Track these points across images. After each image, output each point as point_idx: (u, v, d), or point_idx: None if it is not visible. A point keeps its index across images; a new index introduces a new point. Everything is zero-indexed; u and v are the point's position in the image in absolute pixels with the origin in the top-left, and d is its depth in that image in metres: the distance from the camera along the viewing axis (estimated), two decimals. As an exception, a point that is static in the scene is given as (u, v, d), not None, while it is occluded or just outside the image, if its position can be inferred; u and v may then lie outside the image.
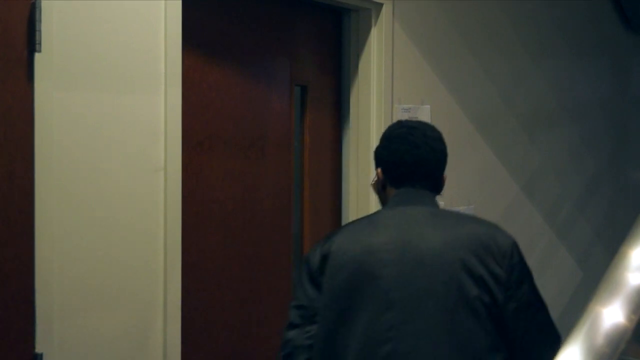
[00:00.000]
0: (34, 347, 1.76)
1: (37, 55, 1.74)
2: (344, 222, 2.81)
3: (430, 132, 1.82)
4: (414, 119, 2.76)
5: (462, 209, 2.97)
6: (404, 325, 1.56)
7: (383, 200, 1.83)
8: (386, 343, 1.56)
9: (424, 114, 2.93)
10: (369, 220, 1.76)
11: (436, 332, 1.56)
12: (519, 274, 1.64)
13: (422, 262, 1.60)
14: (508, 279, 1.61)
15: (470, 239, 1.63)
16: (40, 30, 1.74)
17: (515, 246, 1.65)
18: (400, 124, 1.85)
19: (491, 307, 1.58)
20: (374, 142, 2.73)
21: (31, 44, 1.74)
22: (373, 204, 2.74)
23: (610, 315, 1.11)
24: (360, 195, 2.77)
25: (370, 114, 2.74)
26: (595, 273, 3.75)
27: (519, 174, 3.52)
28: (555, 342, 1.63)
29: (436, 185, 1.80)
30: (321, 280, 1.65)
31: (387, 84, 2.75)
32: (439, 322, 1.56)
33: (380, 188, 1.82)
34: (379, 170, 1.80)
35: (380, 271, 1.61)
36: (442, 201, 2.60)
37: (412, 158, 1.75)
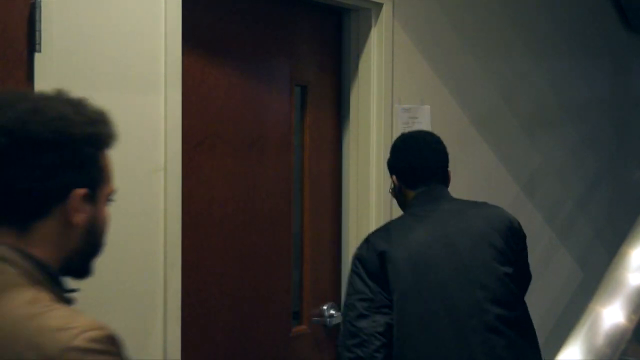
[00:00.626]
0: (34, 347, 1.76)
1: (37, 55, 1.74)
2: (344, 222, 2.81)
3: (430, 137, 2.18)
4: (413, 118, 2.80)
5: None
6: (477, 300, 1.93)
7: (402, 202, 2.14)
8: (472, 317, 1.92)
9: (424, 114, 2.93)
10: (410, 219, 2.06)
11: (494, 304, 1.93)
12: (524, 244, 2.10)
13: (467, 252, 1.97)
14: (518, 250, 2.04)
15: (495, 224, 2.03)
16: (40, 30, 1.74)
17: (519, 223, 2.11)
18: (403, 136, 2.20)
19: (511, 276, 1.97)
20: (374, 142, 2.73)
21: (31, 44, 1.73)
22: (373, 203, 2.74)
23: (610, 315, 1.11)
24: (360, 195, 2.77)
25: (370, 114, 2.74)
26: (595, 273, 3.75)
27: (519, 174, 3.52)
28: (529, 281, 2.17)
29: (444, 180, 2.15)
30: (382, 276, 1.92)
31: (387, 84, 2.75)
32: (494, 297, 1.94)
33: (398, 192, 2.14)
34: (394, 177, 2.13)
35: (442, 262, 1.94)
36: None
37: (420, 162, 2.09)
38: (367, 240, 1.99)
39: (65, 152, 1.10)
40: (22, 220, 1.09)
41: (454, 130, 3.09)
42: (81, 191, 1.12)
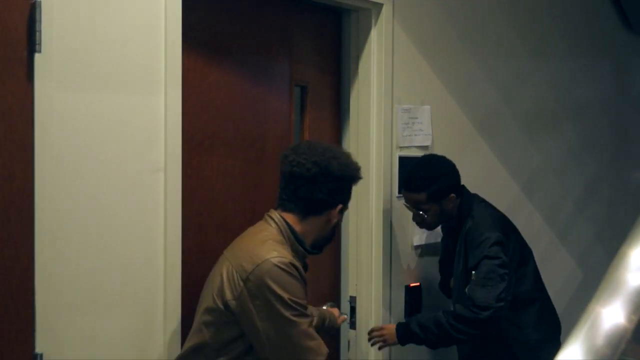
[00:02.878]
0: (34, 347, 1.76)
1: (37, 56, 1.74)
2: (344, 222, 2.81)
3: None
4: (413, 118, 2.81)
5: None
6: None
7: (450, 213, 2.57)
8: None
9: (424, 114, 2.93)
10: (491, 208, 2.62)
11: None
12: None
13: None
14: None
15: None
16: (40, 31, 1.74)
17: None
18: (435, 158, 2.65)
19: None
20: (374, 142, 2.73)
21: (31, 44, 1.73)
22: (373, 203, 2.74)
23: (610, 315, 1.11)
24: (360, 195, 2.77)
25: (370, 114, 2.74)
26: (595, 273, 3.75)
27: (519, 174, 3.52)
28: None
29: None
30: (513, 251, 2.51)
31: (387, 84, 2.75)
32: None
33: (452, 207, 2.56)
34: (453, 195, 2.55)
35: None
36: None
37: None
38: (486, 226, 2.47)
39: (343, 183, 2.00)
40: (306, 213, 1.98)
41: (454, 130, 3.09)
42: (341, 206, 2.02)
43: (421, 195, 2.53)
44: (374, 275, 2.74)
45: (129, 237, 1.96)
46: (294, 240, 1.95)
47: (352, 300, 2.79)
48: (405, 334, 2.49)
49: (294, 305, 1.81)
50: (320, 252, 2.08)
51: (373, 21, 2.74)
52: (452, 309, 2.55)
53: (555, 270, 3.70)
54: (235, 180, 2.38)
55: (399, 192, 2.75)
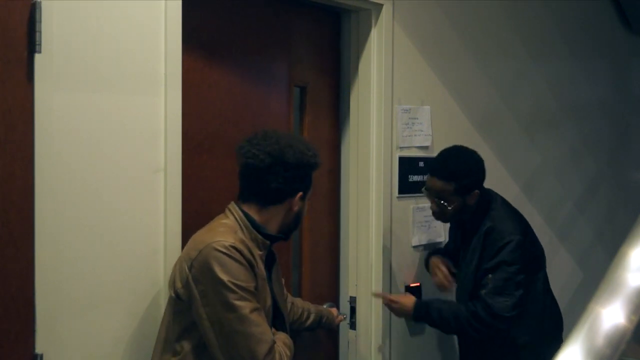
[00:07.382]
0: (34, 347, 1.76)
1: (37, 56, 1.74)
2: (343, 222, 2.82)
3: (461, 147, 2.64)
4: (413, 119, 2.81)
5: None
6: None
7: (470, 208, 2.49)
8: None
9: (424, 115, 2.93)
10: (511, 207, 2.60)
11: None
12: None
13: None
14: None
15: None
16: (40, 31, 1.74)
17: None
18: (468, 149, 2.55)
19: None
20: (374, 143, 2.73)
21: (31, 45, 1.74)
22: (373, 204, 2.74)
23: (610, 315, 1.11)
24: (360, 196, 2.77)
25: (370, 115, 2.74)
26: (595, 273, 3.75)
27: (519, 174, 3.52)
28: None
29: None
30: (535, 256, 2.54)
31: (387, 84, 2.75)
32: None
33: (473, 202, 2.49)
34: (477, 191, 2.47)
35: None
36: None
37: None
38: (515, 227, 2.45)
39: (299, 171, 1.96)
40: (265, 203, 1.96)
41: (454, 130, 3.09)
42: (300, 193, 1.99)
43: (450, 185, 2.45)
44: (374, 275, 2.74)
45: (129, 237, 1.96)
46: (251, 229, 1.93)
47: (352, 300, 2.79)
48: (422, 316, 2.51)
49: (235, 288, 1.78)
50: (286, 238, 2.07)
51: (373, 21, 2.74)
52: (454, 299, 2.63)
53: (555, 270, 3.69)
54: (235, 181, 2.38)
55: (429, 175, 2.58)
